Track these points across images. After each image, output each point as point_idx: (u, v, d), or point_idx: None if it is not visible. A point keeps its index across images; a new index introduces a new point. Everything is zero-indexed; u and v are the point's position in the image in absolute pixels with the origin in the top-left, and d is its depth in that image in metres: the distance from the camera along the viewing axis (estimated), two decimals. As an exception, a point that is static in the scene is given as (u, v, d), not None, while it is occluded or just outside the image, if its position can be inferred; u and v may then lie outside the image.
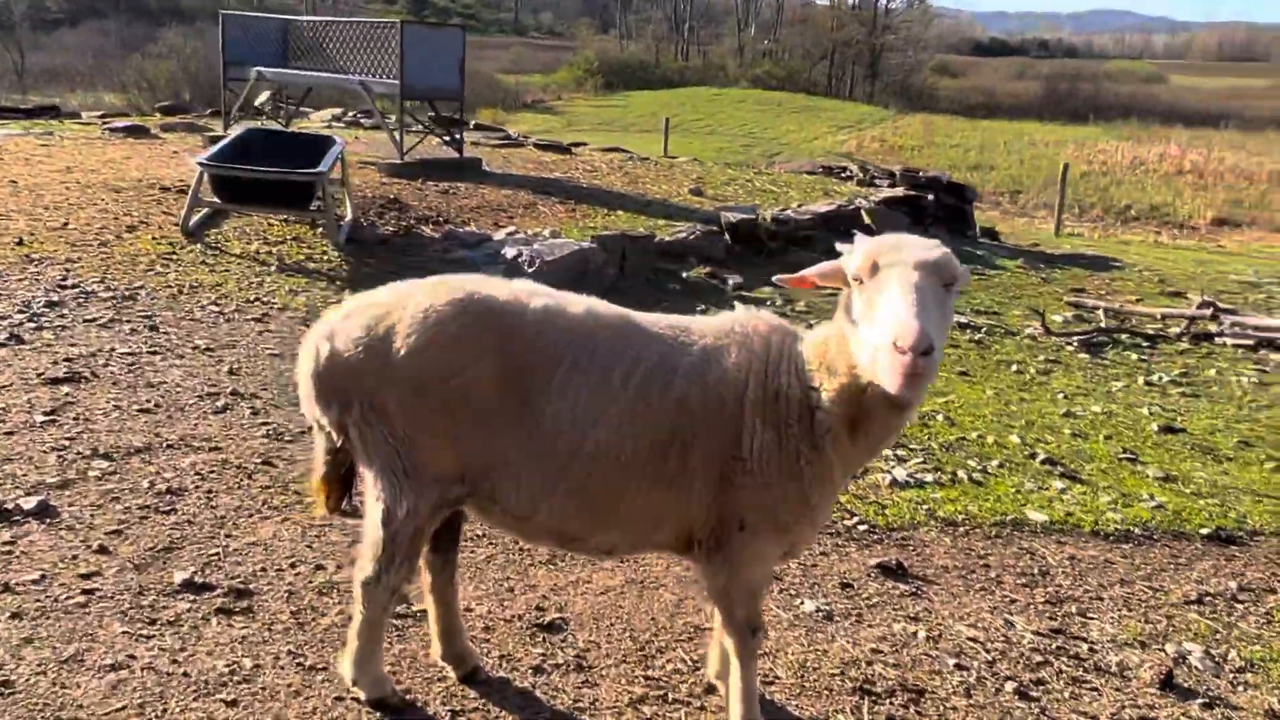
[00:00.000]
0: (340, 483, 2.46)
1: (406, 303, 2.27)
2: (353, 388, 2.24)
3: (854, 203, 11.27)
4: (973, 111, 67.11)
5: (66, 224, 7.25)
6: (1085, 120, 64.04)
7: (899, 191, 12.19)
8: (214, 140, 12.31)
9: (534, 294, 2.32)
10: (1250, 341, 8.19)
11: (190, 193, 7.27)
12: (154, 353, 4.65)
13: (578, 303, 2.34)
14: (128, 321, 5.15)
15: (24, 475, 3.23)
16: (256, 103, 19.84)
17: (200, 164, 6.92)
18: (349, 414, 2.25)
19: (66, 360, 4.37)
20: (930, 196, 12.42)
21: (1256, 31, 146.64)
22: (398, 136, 11.10)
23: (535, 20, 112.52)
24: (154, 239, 7.18)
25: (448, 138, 11.60)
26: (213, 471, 3.45)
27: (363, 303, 2.36)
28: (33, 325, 4.90)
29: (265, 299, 6.03)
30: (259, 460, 3.60)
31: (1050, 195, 30.70)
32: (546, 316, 2.25)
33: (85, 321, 5.06)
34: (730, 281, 8.43)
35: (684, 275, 8.43)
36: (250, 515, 3.20)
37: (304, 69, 12.45)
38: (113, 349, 4.62)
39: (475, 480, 2.24)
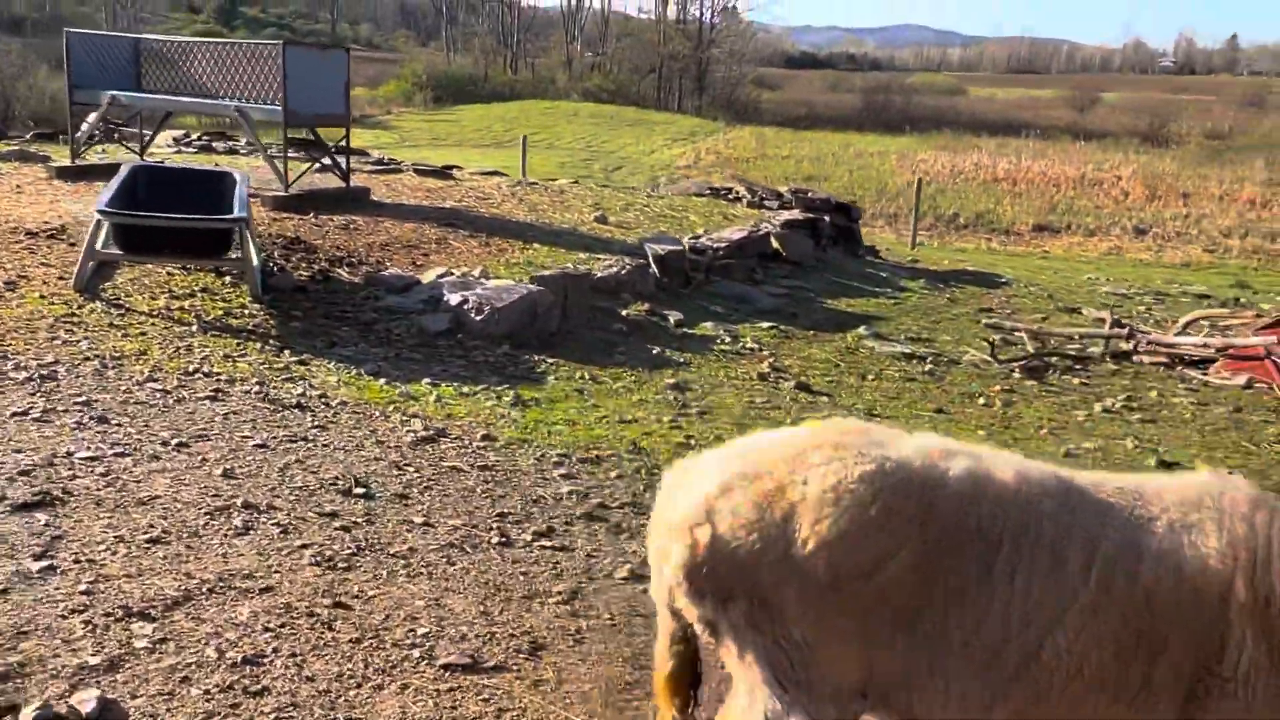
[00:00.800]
0: (690, 681, 1.98)
1: (803, 472, 1.82)
2: (739, 582, 1.80)
3: (760, 228, 11.19)
4: (796, 123, 69.42)
5: (-68, 288, 6.22)
6: (901, 131, 67.30)
7: (797, 214, 12.21)
8: (65, 172, 11.09)
9: (949, 454, 1.90)
10: (1164, 359, 8.54)
11: (86, 245, 6.37)
12: (121, 454, 3.92)
13: (1003, 464, 1.93)
14: (65, 411, 4.36)
15: (58, 659, 2.54)
16: (84, 126, 18.17)
17: (103, 212, 6.05)
18: (728, 611, 1.80)
19: (22, 475, 3.60)
20: (826, 217, 12.52)
21: (1039, 45, 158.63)
22: (280, 167, 10.24)
23: (353, 32, 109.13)
24: (41, 296, 6.26)
25: (328, 165, 10.81)
26: (282, 624, 2.84)
27: (739, 468, 1.89)
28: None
29: (205, 370, 5.29)
30: (329, 603, 3.01)
31: (887, 206, 32.03)
32: (974, 485, 1.84)
33: (14, 416, 4.25)
34: (671, 318, 8.14)
35: (623, 313, 8.08)
36: (359, 685, 2.63)
37: (162, 93, 11.36)
38: (69, 453, 3.87)
39: (884, 694, 1.81)
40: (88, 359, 5.22)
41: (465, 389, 5.56)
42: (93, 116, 11.61)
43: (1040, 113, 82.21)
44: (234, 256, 6.72)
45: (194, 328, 6.08)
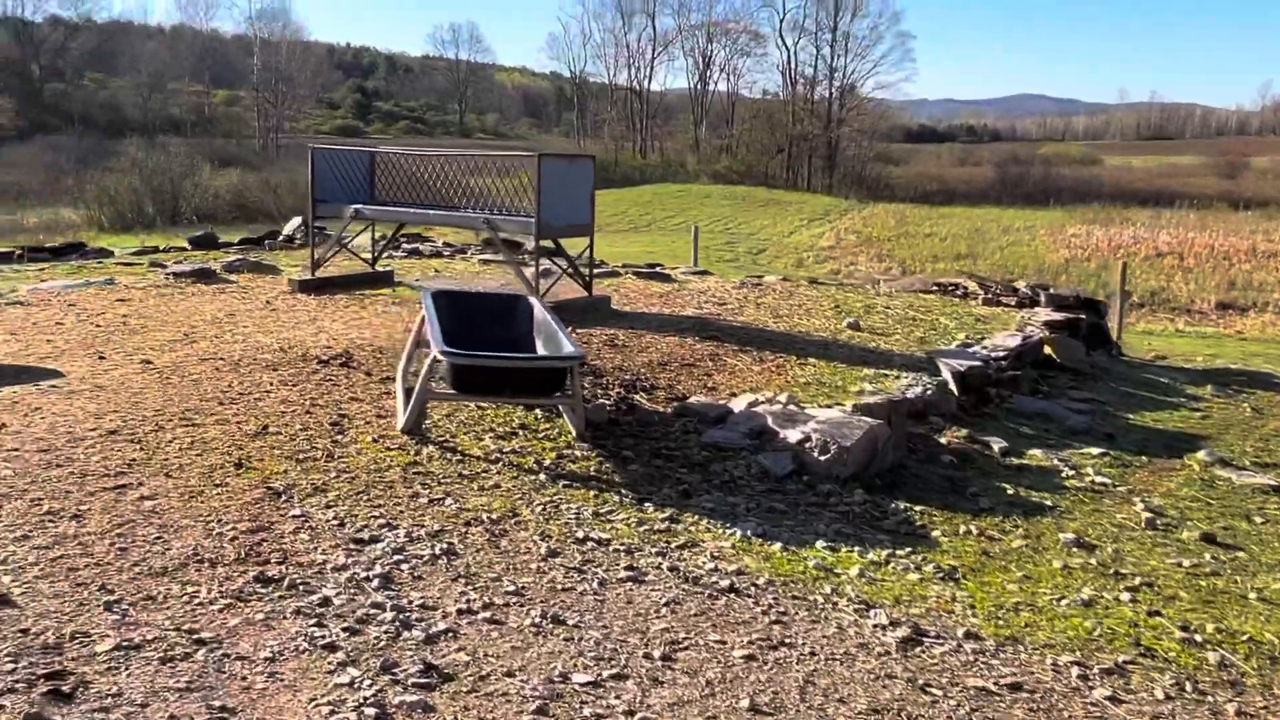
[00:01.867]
0: None
1: None
2: None
3: (1030, 333, 10.39)
4: (930, 199, 68.32)
5: (266, 428, 5.94)
6: (1043, 203, 65.49)
7: (1057, 315, 11.37)
8: (306, 285, 11.06)
9: None
10: None
11: (419, 385, 6.02)
12: (619, 676, 3.35)
13: None
14: (505, 606, 3.86)
15: None
16: (287, 232, 18.58)
17: (446, 353, 5.69)
18: None
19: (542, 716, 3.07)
20: (1081, 315, 11.64)
21: (1169, 110, 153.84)
22: (532, 279, 9.96)
23: (480, 121, 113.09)
24: (374, 440, 5.91)
25: (572, 274, 10.51)
26: None
27: None
28: (419, 638, 3.60)
29: (590, 535, 4.78)
30: None
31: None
32: None
33: (462, 614, 3.77)
34: (995, 446, 7.38)
35: (941, 441, 7.37)
36: None
37: (396, 204, 11.31)
38: (564, 675, 3.33)
39: None
40: (468, 524, 4.77)
41: (866, 553, 4.91)
42: (332, 230, 11.64)
43: (1186, 181, 79.14)
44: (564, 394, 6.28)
45: (540, 475, 5.62)
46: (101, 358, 7.56)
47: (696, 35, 73.69)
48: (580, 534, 4.78)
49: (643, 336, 9.27)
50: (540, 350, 6.86)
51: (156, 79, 76.41)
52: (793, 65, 69.72)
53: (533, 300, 7.50)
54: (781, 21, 70.95)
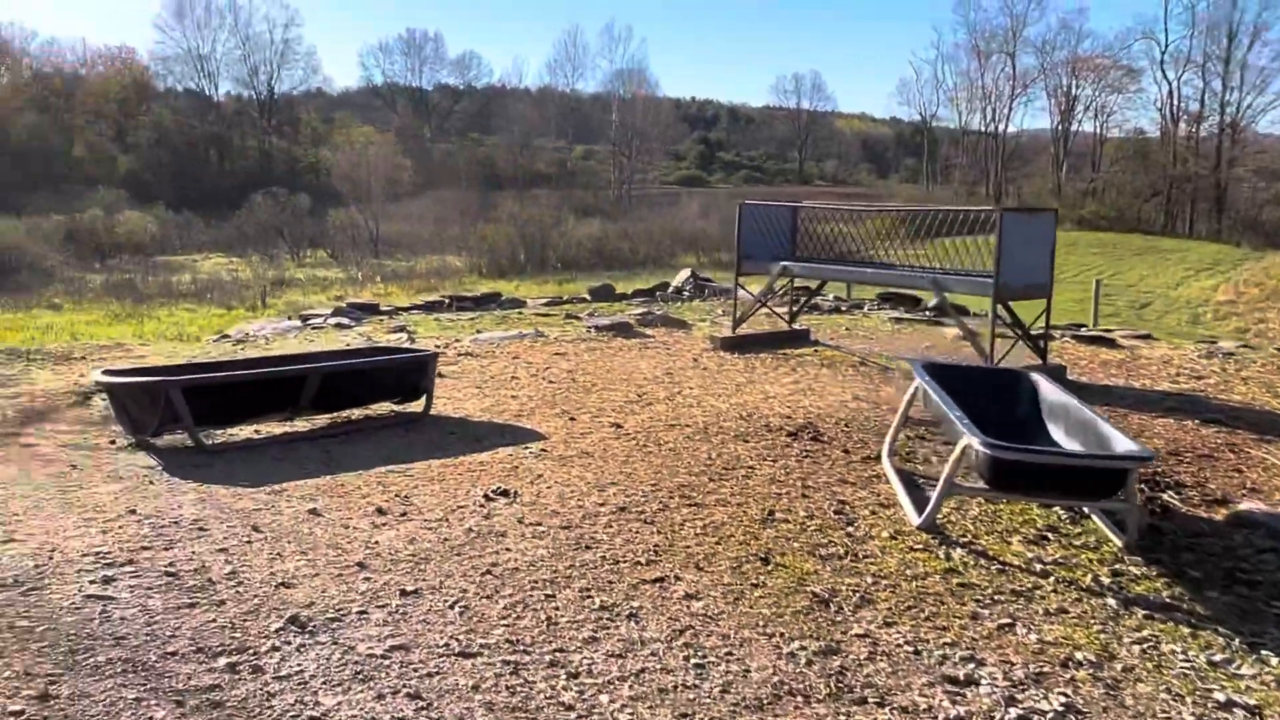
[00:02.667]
0: None
1: None
2: None
3: None
4: (1346, 246, 59.16)
5: (771, 514, 5.45)
6: None
7: None
8: (728, 343, 10.75)
9: None
10: None
11: (944, 478, 5.30)
12: None
13: None
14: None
15: None
16: (675, 284, 18.74)
17: (992, 445, 4.92)
18: None
19: None
20: None
21: None
22: (985, 346, 9.01)
23: (819, 169, 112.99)
24: (890, 537, 5.24)
25: (1029, 343, 9.41)
26: None
27: None
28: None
29: (1236, 700, 3.77)
30: None
31: None
32: None
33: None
34: None
35: None
36: None
37: (829, 262, 10.79)
38: None
39: None
40: (1065, 664, 3.93)
41: None
42: (758, 287, 11.31)
43: None
44: (1118, 499, 5.29)
45: (1107, 600, 4.66)
46: (571, 419, 7.53)
47: (1060, 73, 69.16)
48: (1217, 694, 3.79)
49: (1127, 418, 8.02)
50: (1062, 438, 5.93)
51: (525, 137, 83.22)
52: (1174, 100, 63.39)
53: (1036, 377, 6.57)
54: (1163, 53, 64.81)
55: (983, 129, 72.16)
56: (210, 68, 79.08)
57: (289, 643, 3.68)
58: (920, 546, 5.14)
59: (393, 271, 43.26)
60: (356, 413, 7.70)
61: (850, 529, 5.33)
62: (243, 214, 50.50)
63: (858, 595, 4.45)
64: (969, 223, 9.55)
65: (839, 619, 4.21)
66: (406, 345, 9.80)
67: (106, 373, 6.72)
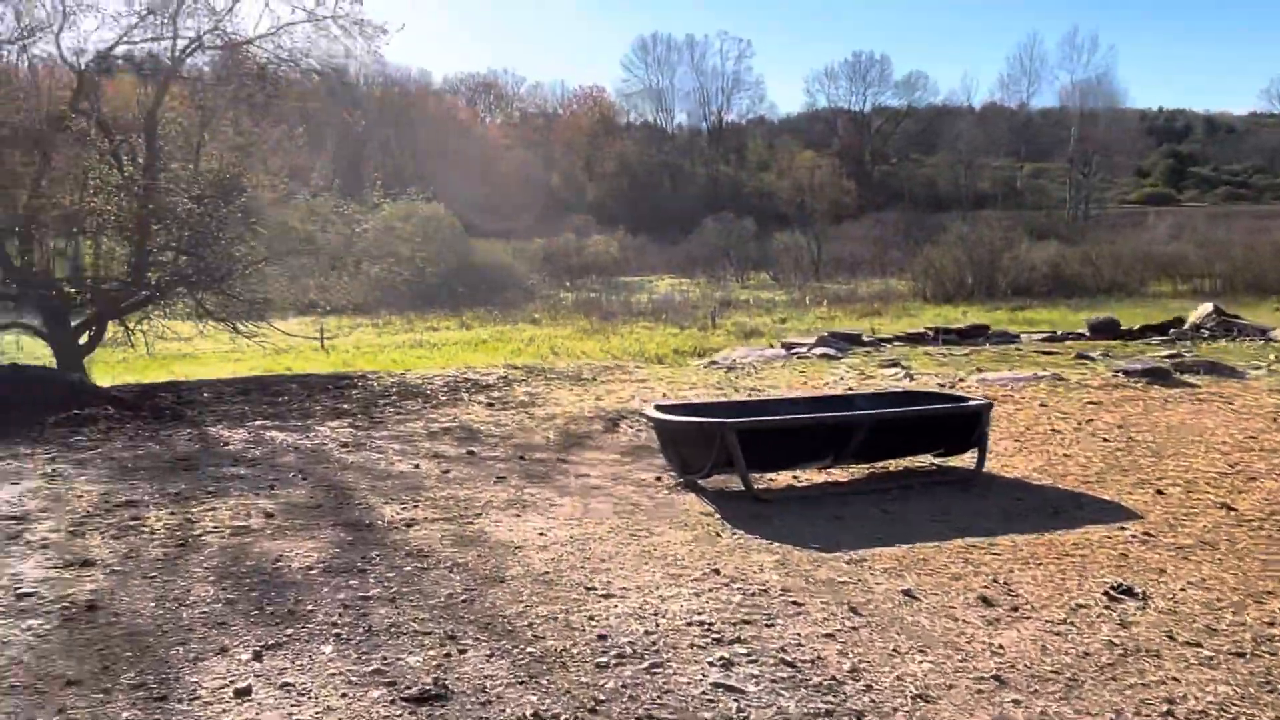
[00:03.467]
0: None
1: None
2: None
3: None
4: None
5: None
6: None
7: None
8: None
9: None
10: None
11: None
12: None
13: None
14: None
15: None
16: (1193, 320, 16.22)
17: None
18: None
19: None
20: None
21: None
22: None
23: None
24: None
25: None
26: None
27: None
28: None
29: None
30: None
31: None
32: None
33: None
34: None
35: None
36: None
37: None
38: None
39: None
40: None
41: None
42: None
43: None
44: None
45: None
46: (1159, 492, 6.28)
47: None
48: None
49: None
50: None
51: (969, 156, 79.64)
52: None
53: None
54: None
55: None
56: (667, 101, 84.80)
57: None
58: None
59: (834, 294, 43.02)
60: (895, 463, 7.04)
61: None
62: (693, 237, 53.08)
63: None
64: None
65: None
66: (950, 392, 9.00)
67: (658, 408, 6.63)
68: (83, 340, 12.51)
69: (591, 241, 53.92)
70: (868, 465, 6.96)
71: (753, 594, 4.46)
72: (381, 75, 65.63)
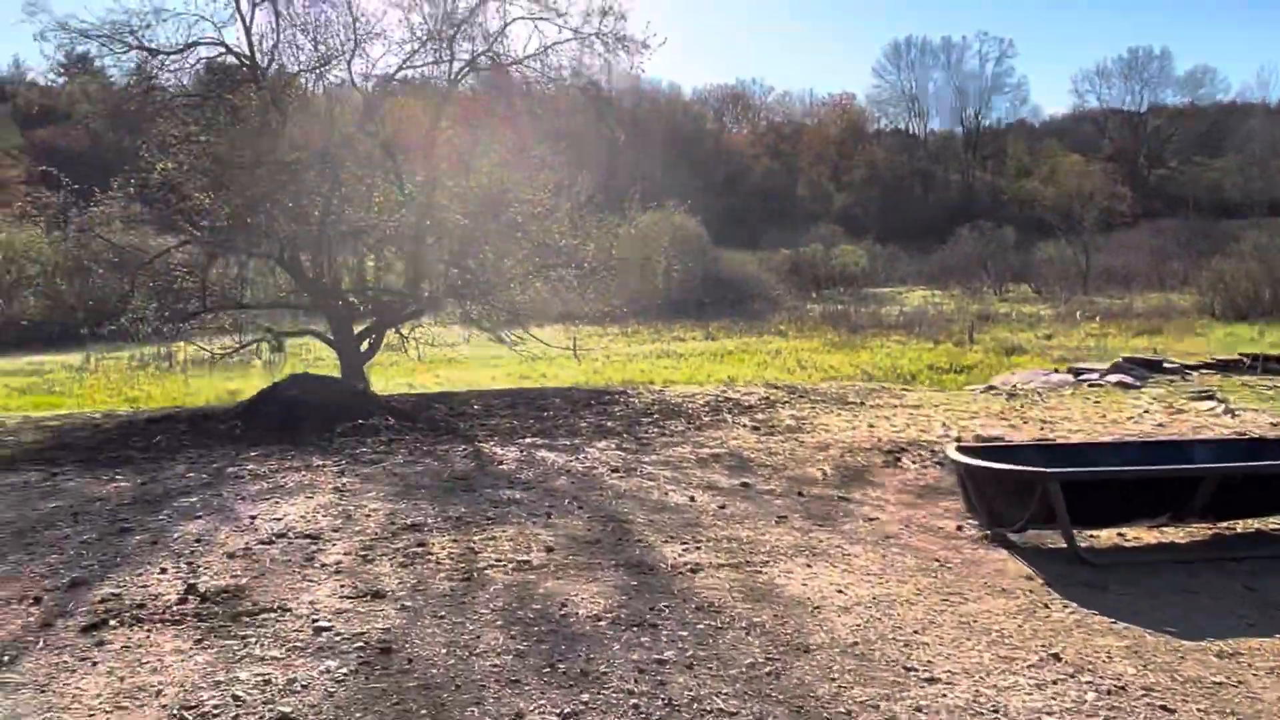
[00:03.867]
0: None
1: None
2: None
3: None
4: None
5: None
6: None
7: None
8: None
9: None
10: None
11: None
12: None
13: None
14: None
15: None
16: None
17: None
18: None
19: None
20: None
21: None
22: None
23: None
24: None
25: None
26: None
27: None
28: None
29: None
30: None
31: None
32: None
33: None
34: None
35: None
36: None
37: None
38: None
39: None
40: None
41: None
42: None
43: None
44: None
45: None
46: None
47: None
48: None
49: None
50: None
51: (1264, 157, 71.69)
52: None
53: None
54: None
55: None
56: (920, 106, 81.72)
57: None
58: None
59: (1105, 309, 39.68)
60: (1244, 523, 6.01)
61: None
62: (946, 247, 50.69)
63: None
64: None
65: None
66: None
67: (961, 450, 5.95)
68: (363, 347, 13.15)
69: (839, 252, 52.58)
70: (1208, 526, 5.97)
71: (1106, 691, 3.74)
72: (634, 90, 67.01)
